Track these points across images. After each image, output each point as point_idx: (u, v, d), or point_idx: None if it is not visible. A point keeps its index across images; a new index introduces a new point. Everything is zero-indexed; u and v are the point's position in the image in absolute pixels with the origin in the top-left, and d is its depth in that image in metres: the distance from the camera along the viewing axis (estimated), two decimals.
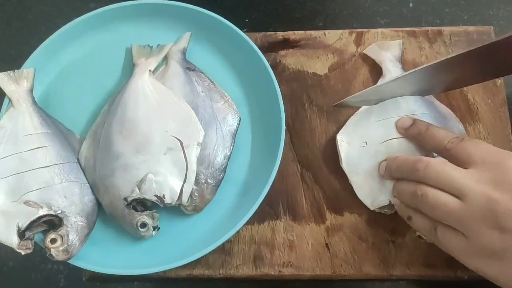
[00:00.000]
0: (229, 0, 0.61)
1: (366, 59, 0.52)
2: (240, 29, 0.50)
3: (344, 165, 0.47)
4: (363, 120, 0.48)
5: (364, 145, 0.47)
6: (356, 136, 0.47)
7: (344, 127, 0.48)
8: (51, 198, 0.43)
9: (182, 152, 0.44)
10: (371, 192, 0.46)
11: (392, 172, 0.43)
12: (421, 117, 0.45)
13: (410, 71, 0.44)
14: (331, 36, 0.53)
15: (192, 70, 0.49)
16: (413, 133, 0.44)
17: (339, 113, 0.50)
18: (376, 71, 0.51)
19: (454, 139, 0.40)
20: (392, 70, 0.49)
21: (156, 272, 0.44)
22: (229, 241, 0.46)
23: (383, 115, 0.47)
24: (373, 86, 0.47)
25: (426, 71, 0.44)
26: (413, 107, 0.46)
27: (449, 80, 0.46)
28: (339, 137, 0.48)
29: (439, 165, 0.39)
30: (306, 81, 0.52)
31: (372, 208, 0.46)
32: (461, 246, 0.37)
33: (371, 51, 0.51)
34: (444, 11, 0.59)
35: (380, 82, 0.50)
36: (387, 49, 0.51)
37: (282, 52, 0.53)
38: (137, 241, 0.45)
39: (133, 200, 0.43)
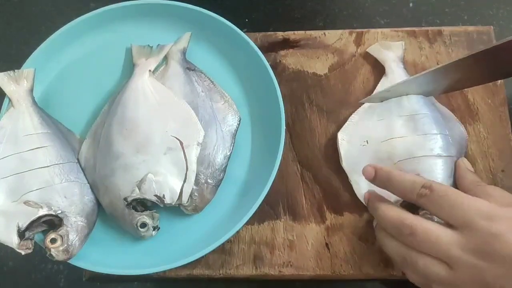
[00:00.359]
0: (229, 0, 0.61)
1: (366, 59, 0.52)
2: (240, 29, 0.50)
3: (344, 164, 0.47)
4: (364, 119, 0.48)
5: (365, 144, 0.47)
6: (357, 134, 0.47)
7: (344, 125, 0.48)
8: (51, 198, 0.43)
9: (182, 152, 0.44)
10: None
11: (377, 217, 0.41)
12: (423, 117, 0.45)
13: (428, 70, 0.44)
14: (331, 36, 0.53)
15: (192, 70, 0.49)
16: (378, 185, 0.42)
17: (339, 113, 0.50)
18: (376, 71, 0.51)
19: (421, 190, 0.38)
20: (395, 70, 0.49)
21: (156, 272, 0.44)
22: (229, 241, 0.46)
23: (385, 114, 0.47)
24: (400, 82, 0.47)
25: (442, 71, 0.43)
26: (415, 107, 0.46)
27: (454, 82, 0.46)
28: (340, 135, 0.48)
29: (424, 231, 0.37)
30: (306, 81, 0.52)
31: None
32: None
33: (375, 50, 0.51)
34: (444, 11, 0.59)
35: (383, 80, 0.50)
36: (390, 49, 0.51)
37: (282, 52, 0.53)
38: (137, 241, 0.45)
39: (133, 200, 0.43)
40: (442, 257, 0.36)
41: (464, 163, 0.45)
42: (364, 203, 0.45)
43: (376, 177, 0.42)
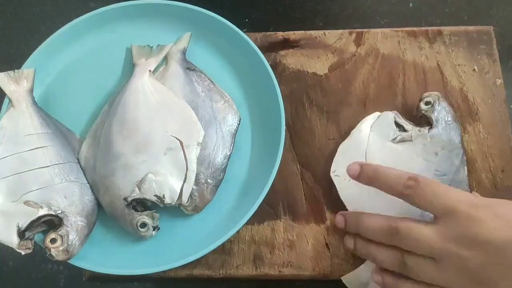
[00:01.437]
0: (229, 0, 0.61)
1: (367, 59, 0.52)
2: (240, 29, 0.50)
3: (343, 198, 0.46)
4: (352, 149, 0.47)
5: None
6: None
7: (335, 158, 0.47)
8: (51, 198, 0.43)
9: (182, 152, 0.44)
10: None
11: (360, 232, 0.42)
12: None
13: None
14: (331, 36, 0.53)
15: (192, 70, 0.49)
16: (363, 181, 0.42)
17: (339, 113, 0.50)
18: (376, 71, 0.51)
19: (407, 182, 0.39)
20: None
21: (156, 272, 0.44)
22: (229, 241, 0.46)
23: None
24: None
25: None
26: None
27: None
28: (332, 169, 0.47)
29: (406, 227, 0.38)
30: (306, 81, 0.52)
31: None
32: None
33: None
34: (444, 11, 0.59)
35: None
36: None
37: (282, 52, 0.53)
38: (137, 241, 0.45)
39: (133, 200, 0.43)
40: (427, 251, 0.37)
41: None
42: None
43: (361, 174, 0.42)
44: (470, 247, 0.35)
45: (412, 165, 0.45)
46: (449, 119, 0.47)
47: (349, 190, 0.46)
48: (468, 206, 0.36)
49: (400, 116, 0.48)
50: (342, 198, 0.46)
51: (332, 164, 0.47)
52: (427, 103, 0.47)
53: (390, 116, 0.48)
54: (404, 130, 0.47)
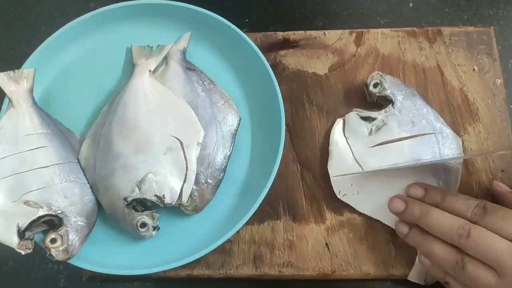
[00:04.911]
0: (229, 0, 0.61)
1: (367, 59, 0.52)
2: (240, 29, 0.50)
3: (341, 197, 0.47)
4: (340, 163, 0.47)
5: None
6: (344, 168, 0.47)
7: (332, 180, 0.47)
8: (51, 198, 0.43)
9: (182, 152, 0.44)
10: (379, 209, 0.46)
11: (421, 224, 0.41)
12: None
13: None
14: (331, 36, 0.53)
15: (192, 70, 0.49)
16: (428, 203, 0.42)
17: (339, 113, 0.50)
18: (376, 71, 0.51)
19: (475, 209, 0.39)
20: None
21: (156, 272, 0.44)
22: (229, 241, 0.46)
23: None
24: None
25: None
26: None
27: None
28: (336, 191, 0.47)
29: (480, 234, 0.37)
30: (306, 81, 0.52)
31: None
32: None
33: None
34: (444, 11, 0.59)
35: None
36: None
37: (282, 52, 0.53)
38: (137, 241, 0.45)
39: (133, 200, 0.43)
40: (493, 262, 0.36)
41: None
42: (392, 210, 0.44)
43: (428, 195, 0.42)
44: None
45: (403, 145, 0.46)
46: (402, 86, 0.48)
47: (361, 204, 0.46)
48: None
49: (361, 110, 0.48)
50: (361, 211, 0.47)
51: (333, 186, 0.47)
52: (375, 85, 0.48)
53: (353, 115, 0.48)
54: (373, 119, 0.48)
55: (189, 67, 0.49)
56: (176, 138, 0.44)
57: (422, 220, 0.41)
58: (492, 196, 0.46)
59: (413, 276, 0.44)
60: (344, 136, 0.48)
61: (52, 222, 0.43)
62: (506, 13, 0.59)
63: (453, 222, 0.39)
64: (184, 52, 0.50)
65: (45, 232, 0.43)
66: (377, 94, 0.48)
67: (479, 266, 0.37)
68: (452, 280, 0.40)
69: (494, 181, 0.46)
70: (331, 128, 0.49)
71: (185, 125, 0.45)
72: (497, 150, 0.43)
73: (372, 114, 0.48)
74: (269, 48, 0.53)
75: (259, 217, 0.47)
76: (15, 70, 0.47)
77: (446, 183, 0.46)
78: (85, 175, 0.46)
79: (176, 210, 0.45)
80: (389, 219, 0.45)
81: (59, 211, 0.43)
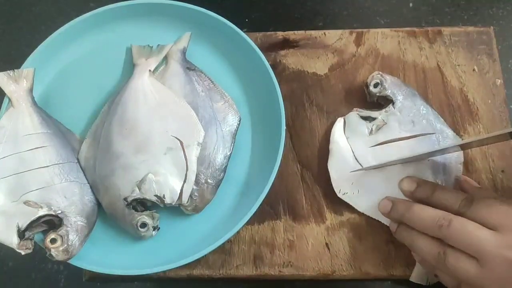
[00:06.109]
0: (229, 0, 0.61)
1: (367, 59, 0.52)
2: (240, 29, 0.50)
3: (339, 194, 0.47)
4: (341, 162, 0.47)
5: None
6: (345, 167, 0.47)
7: (332, 178, 0.47)
8: (51, 198, 0.43)
9: (182, 152, 0.44)
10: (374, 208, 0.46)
11: (405, 220, 0.42)
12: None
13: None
14: (331, 36, 0.53)
15: (192, 70, 0.49)
16: (419, 197, 0.43)
17: (339, 113, 0.50)
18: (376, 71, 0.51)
19: (463, 201, 0.39)
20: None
21: (156, 272, 0.44)
22: (229, 241, 0.46)
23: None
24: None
25: None
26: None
27: None
28: (336, 190, 0.47)
29: (461, 223, 0.37)
30: (306, 81, 0.52)
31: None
32: None
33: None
34: (444, 11, 0.59)
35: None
36: None
37: (282, 52, 0.53)
38: (137, 241, 0.45)
39: (133, 200, 0.43)
40: (474, 251, 0.36)
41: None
42: (381, 210, 0.44)
43: (419, 188, 0.43)
44: None
45: (403, 145, 0.46)
46: (402, 86, 0.48)
47: (361, 203, 0.46)
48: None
49: (362, 110, 0.48)
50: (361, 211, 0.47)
51: (333, 184, 0.47)
52: (376, 85, 0.48)
53: (353, 115, 0.48)
54: (373, 118, 0.48)
55: (189, 67, 0.49)
56: (176, 138, 0.44)
57: (405, 216, 0.41)
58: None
59: (414, 277, 0.44)
60: (345, 135, 0.48)
61: (52, 222, 0.43)
62: (506, 13, 0.59)
63: (434, 214, 0.39)
64: (184, 52, 0.50)
65: (45, 232, 0.43)
66: (378, 94, 0.48)
67: (460, 255, 0.37)
68: (440, 272, 0.40)
69: (462, 176, 0.46)
70: (331, 128, 0.49)
71: (185, 125, 0.45)
72: (494, 141, 0.43)
73: (373, 113, 0.48)
74: (269, 48, 0.53)
75: (259, 217, 0.47)
76: (15, 70, 0.47)
77: (446, 183, 0.46)
78: (85, 175, 0.46)
79: (176, 210, 0.45)
80: (388, 219, 0.45)
81: (59, 211, 0.43)
